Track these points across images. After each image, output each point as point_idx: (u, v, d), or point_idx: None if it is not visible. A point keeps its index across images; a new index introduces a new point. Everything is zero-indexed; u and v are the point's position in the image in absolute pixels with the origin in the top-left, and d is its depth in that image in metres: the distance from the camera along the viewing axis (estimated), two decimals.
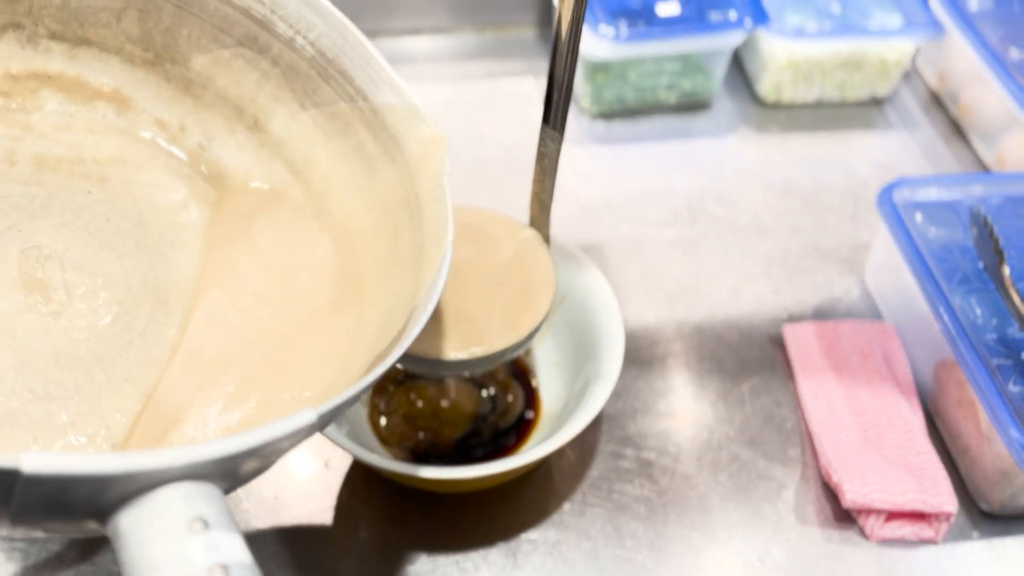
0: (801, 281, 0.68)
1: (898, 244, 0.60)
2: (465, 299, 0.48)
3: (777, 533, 0.54)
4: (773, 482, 0.56)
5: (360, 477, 0.55)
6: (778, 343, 0.64)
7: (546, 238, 0.51)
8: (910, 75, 0.86)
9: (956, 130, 0.81)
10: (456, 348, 0.47)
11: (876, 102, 0.84)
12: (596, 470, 0.56)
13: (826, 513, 0.55)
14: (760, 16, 0.76)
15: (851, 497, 0.52)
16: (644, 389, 0.60)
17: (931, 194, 0.63)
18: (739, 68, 0.85)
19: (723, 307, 0.66)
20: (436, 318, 0.47)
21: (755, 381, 0.61)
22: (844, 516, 0.55)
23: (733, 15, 0.77)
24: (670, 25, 0.76)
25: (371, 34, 0.91)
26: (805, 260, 0.69)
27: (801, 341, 0.62)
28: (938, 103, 0.84)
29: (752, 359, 0.63)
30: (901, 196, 0.62)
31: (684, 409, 0.59)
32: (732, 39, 0.77)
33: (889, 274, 0.65)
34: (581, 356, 0.54)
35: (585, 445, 0.57)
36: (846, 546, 0.53)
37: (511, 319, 0.48)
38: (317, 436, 0.56)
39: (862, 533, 0.54)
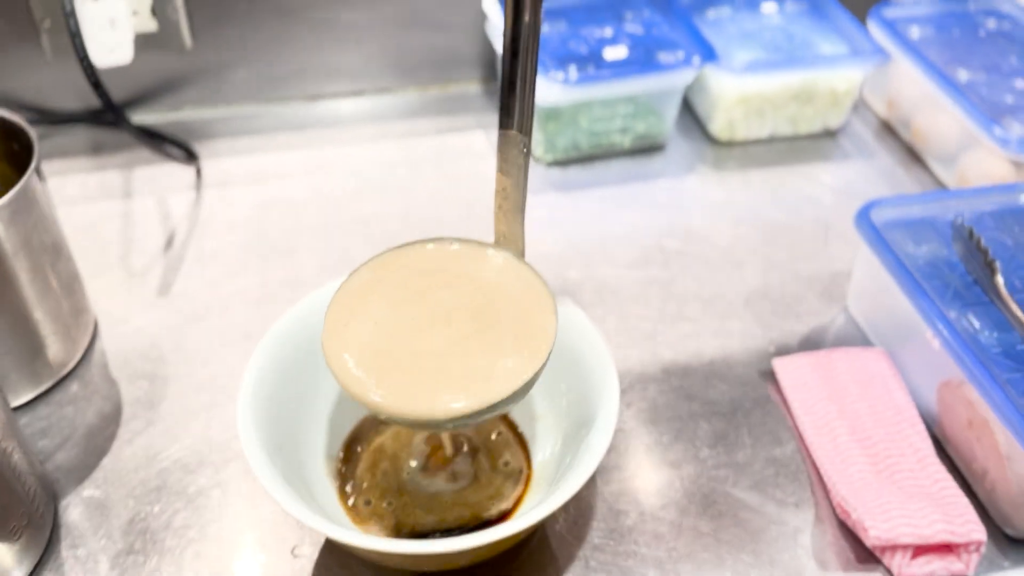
0: (784, 313, 0.65)
1: (884, 264, 0.57)
2: (461, 345, 0.43)
3: None
4: (786, 527, 0.52)
5: (333, 564, 0.49)
6: (769, 378, 0.60)
7: (520, 253, 0.47)
8: (859, 107, 0.86)
9: (911, 155, 0.80)
10: (471, 396, 0.42)
11: (829, 134, 0.83)
12: (596, 531, 0.51)
13: (847, 556, 0.51)
14: (708, 54, 0.75)
15: (875, 534, 0.48)
16: (636, 437, 0.56)
17: (908, 212, 0.61)
18: (690, 110, 0.84)
19: (708, 345, 0.62)
20: (438, 374, 0.42)
21: (751, 421, 0.57)
22: (867, 557, 0.50)
23: (681, 55, 0.75)
24: (619, 68, 0.74)
25: (313, 97, 0.89)
26: (785, 292, 0.67)
27: (794, 374, 0.59)
28: (889, 131, 0.83)
29: (745, 398, 0.59)
30: (878, 216, 0.60)
31: (681, 456, 0.55)
32: (682, 78, 0.75)
33: (874, 298, 0.62)
34: (570, 404, 0.50)
35: (580, 503, 0.52)
36: None
37: (523, 346, 0.43)
38: (282, 519, 0.50)
39: (888, 574, 0.50)
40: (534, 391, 0.53)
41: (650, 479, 0.54)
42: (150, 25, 0.77)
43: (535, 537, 0.51)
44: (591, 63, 0.75)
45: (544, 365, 0.43)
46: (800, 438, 0.56)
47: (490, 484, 0.51)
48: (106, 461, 0.54)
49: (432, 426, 0.42)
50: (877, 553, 0.50)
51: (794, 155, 0.80)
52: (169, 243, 0.69)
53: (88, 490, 0.52)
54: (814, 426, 0.56)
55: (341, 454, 0.52)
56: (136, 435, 0.56)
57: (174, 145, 0.73)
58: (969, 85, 0.73)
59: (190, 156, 0.76)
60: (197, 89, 0.82)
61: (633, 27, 0.80)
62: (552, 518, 0.51)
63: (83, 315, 0.60)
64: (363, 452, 0.52)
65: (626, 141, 0.78)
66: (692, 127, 0.83)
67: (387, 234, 0.70)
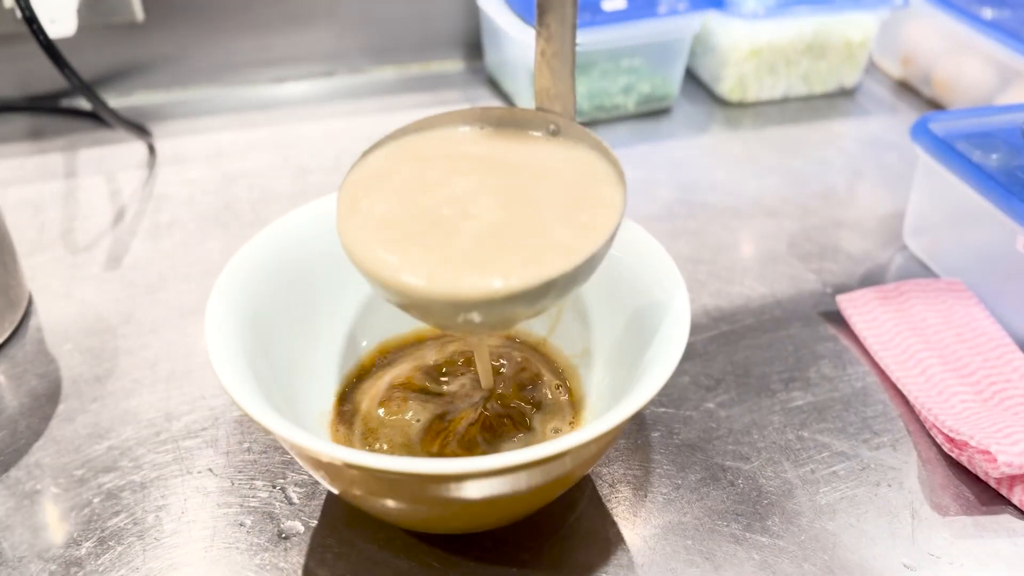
0: (834, 256, 0.57)
1: (959, 173, 0.50)
2: (504, 219, 0.34)
3: (918, 532, 0.40)
4: (887, 471, 0.42)
5: (332, 543, 0.39)
6: (832, 319, 0.51)
7: (571, 114, 0.38)
8: (871, 70, 0.80)
9: (936, 108, 0.74)
10: (520, 272, 0.32)
11: (845, 92, 0.76)
12: (660, 489, 0.41)
13: (965, 497, 0.41)
14: (715, 1, 0.69)
15: (1005, 459, 0.39)
16: (696, 389, 0.47)
17: (967, 125, 0.54)
18: (693, 77, 0.77)
19: (755, 291, 0.54)
20: (478, 251, 0.33)
21: (821, 362, 0.48)
22: (989, 497, 0.41)
23: (683, 6, 0.69)
24: (620, 15, 0.67)
25: (280, 79, 0.80)
26: (830, 235, 0.59)
27: (863, 309, 0.50)
28: (907, 89, 0.77)
29: (808, 339, 0.50)
30: (938, 129, 0.53)
31: (754, 407, 0.46)
32: (689, 25, 0.69)
33: (939, 228, 0.55)
34: (630, 343, 0.40)
35: (643, 460, 0.42)
36: (1007, 533, 0.39)
37: (582, 218, 0.34)
38: (265, 496, 0.40)
39: (1020, 512, 0.40)
40: (576, 324, 0.44)
41: (721, 431, 0.44)
42: None
43: (589, 498, 0.41)
44: (587, 12, 0.68)
45: (610, 240, 0.34)
46: (882, 375, 0.48)
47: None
48: (40, 444, 0.43)
49: (471, 310, 0.33)
50: (1003, 489, 0.41)
51: (810, 114, 0.74)
52: (119, 218, 0.60)
53: (17, 478, 0.41)
54: (897, 361, 0.47)
55: (332, 410, 0.42)
56: (77, 413, 0.45)
57: (123, 123, 0.64)
58: (997, 22, 0.68)
59: (142, 132, 0.67)
60: (150, 69, 0.74)
61: None
62: (610, 479, 0.41)
63: (12, 290, 0.50)
64: (360, 409, 0.42)
65: (630, 103, 0.71)
66: (697, 92, 0.76)
67: None
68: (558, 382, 0.43)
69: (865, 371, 0.48)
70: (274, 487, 0.41)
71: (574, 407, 0.42)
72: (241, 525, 0.39)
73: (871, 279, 0.55)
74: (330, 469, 0.32)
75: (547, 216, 0.34)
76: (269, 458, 0.42)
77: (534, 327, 0.46)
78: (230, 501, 0.40)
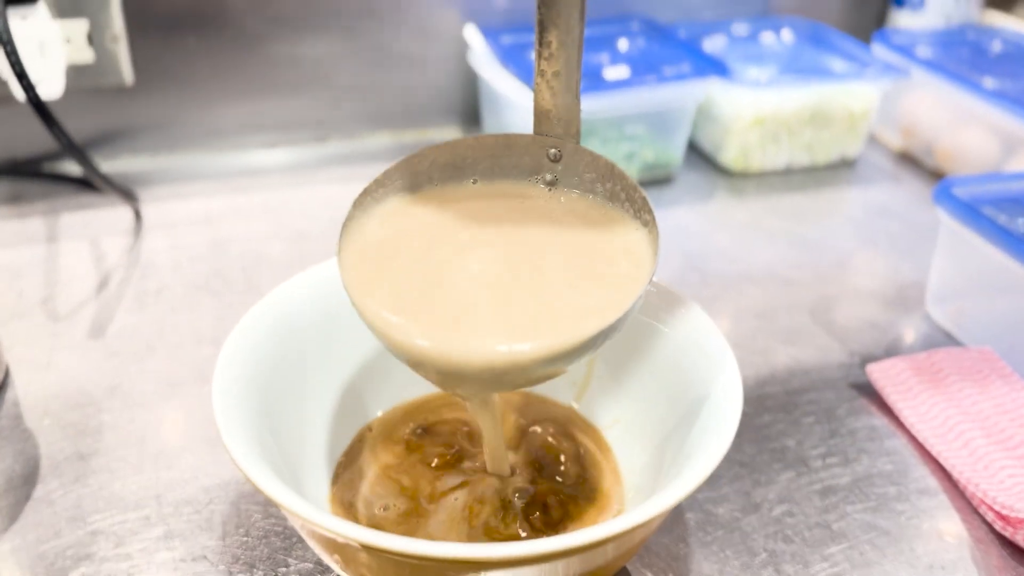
0: (857, 325, 0.55)
1: (987, 236, 0.48)
2: (519, 282, 0.32)
3: None
4: (941, 554, 0.39)
5: None
6: (863, 389, 0.49)
7: (575, 136, 0.35)
8: (872, 143, 0.80)
9: (939, 179, 0.73)
10: (538, 337, 0.29)
11: (847, 163, 0.76)
12: (703, 569, 0.38)
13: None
14: (720, 69, 0.68)
15: None
16: (730, 465, 0.44)
17: (989, 190, 0.53)
18: (695, 148, 0.76)
19: (782, 361, 0.51)
20: (495, 315, 0.31)
21: (857, 437, 0.46)
22: None
23: (688, 69, 0.68)
24: (624, 84, 0.66)
25: (272, 144, 0.77)
26: (851, 304, 0.57)
27: (896, 380, 0.48)
28: (909, 160, 0.77)
29: (841, 411, 0.47)
30: (961, 194, 0.52)
31: (792, 484, 0.43)
32: (693, 93, 0.68)
33: (964, 295, 0.53)
34: (672, 417, 0.37)
35: (680, 544, 0.39)
36: None
37: (605, 282, 0.31)
38: None
39: None
40: (607, 398, 0.41)
41: (756, 508, 0.41)
42: (86, 55, 0.66)
43: None
44: (591, 83, 0.67)
45: (635, 304, 0.31)
46: (920, 449, 0.45)
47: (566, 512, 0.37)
48: (16, 529, 0.39)
49: (489, 379, 0.30)
50: None
51: (814, 184, 0.73)
52: (103, 285, 0.56)
53: None
54: (936, 434, 0.45)
55: (330, 489, 0.38)
56: (57, 495, 0.41)
57: (109, 185, 0.61)
58: (999, 91, 0.68)
59: (128, 196, 0.64)
60: (137, 133, 0.71)
61: (631, 52, 0.73)
62: (644, 558, 0.38)
63: None
64: (364, 478, 0.39)
65: (633, 171, 0.70)
66: (700, 162, 0.75)
67: None
68: (590, 457, 0.39)
69: (902, 444, 0.45)
70: (276, 575, 0.37)
71: (609, 488, 0.38)
72: None
73: (897, 348, 0.53)
74: (356, 554, 0.29)
75: (570, 276, 0.32)
76: (269, 543, 0.38)
77: (560, 395, 0.43)
78: None
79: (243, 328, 0.36)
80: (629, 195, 0.34)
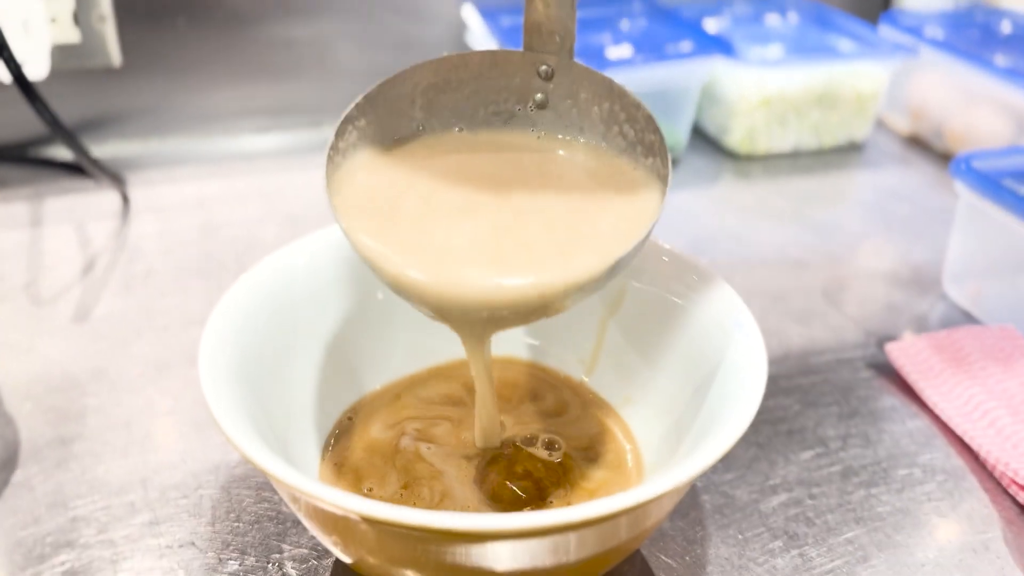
0: (873, 304, 0.53)
1: (1009, 209, 0.47)
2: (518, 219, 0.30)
3: None
4: (973, 536, 0.37)
5: None
6: (881, 369, 0.47)
7: (569, 50, 0.32)
8: (880, 127, 0.78)
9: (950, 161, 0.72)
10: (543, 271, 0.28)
11: (855, 147, 0.74)
12: (724, 564, 0.36)
13: None
14: (724, 47, 0.67)
15: None
16: (747, 446, 0.41)
17: (1008, 164, 0.51)
18: (699, 132, 0.75)
19: (797, 342, 0.49)
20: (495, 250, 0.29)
21: (877, 417, 0.44)
22: None
23: (690, 47, 0.66)
24: (627, 62, 0.65)
25: (263, 129, 0.75)
26: (865, 284, 0.55)
27: (916, 359, 0.46)
28: (918, 143, 0.75)
29: (860, 391, 0.45)
30: (981, 166, 0.50)
31: (812, 465, 0.41)
32: (698, 72, 0.66)
33: (983, 272, 0.51)
34: (689, 387, 0.35)
35: (697, 528, 0.37)
36: None
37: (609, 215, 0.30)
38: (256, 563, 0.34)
39: None
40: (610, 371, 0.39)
41: (775, 489, 0.39)
42: (71, 35, 0.64)
43: (635, 566, 0.35)
44: (594, 63, 0.65)
45: (645, 238, 0.30)
46: (944, 428, 0.43)
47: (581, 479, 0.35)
48: None
49: (488, 314, 0.28)
50: None
51: (822, 167, 0.71)
52: (88, 269, 0.54)
53: None
54: (961, 413, 0.43)
55: (321, 456, 0.36)
56: (37, 481, 0.39)
57: (95, 167, 0.59)
58: (1011, 68, 0.66)
59: (115, 180, 0.62)
60: (125, 117, 0.69)
61: (632, 32, 0.71)
62: (658, 545, 0.36)
63: None
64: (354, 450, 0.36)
65: None
66: (704, 145, 0.73)
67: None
68: (605, 428, 0.37)
69: (925, 424, 0.43)
70: (269, 562, 0.35)
71: (626, 460, 0.36)
72: None
73: (915, 328, 0.51)
74: (357, 530, 0.27)
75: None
76: (261, 528, 0.36)
77: (570, 369, 0.41)
78: (227, 571, 0.34)
79: (230, 300, 0.34)
80: (630, 115, 0.32)
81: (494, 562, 0.26)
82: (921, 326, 0.51)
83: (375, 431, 0.37)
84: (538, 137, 0.34)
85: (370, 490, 0.34)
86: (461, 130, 0.34)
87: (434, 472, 0.35)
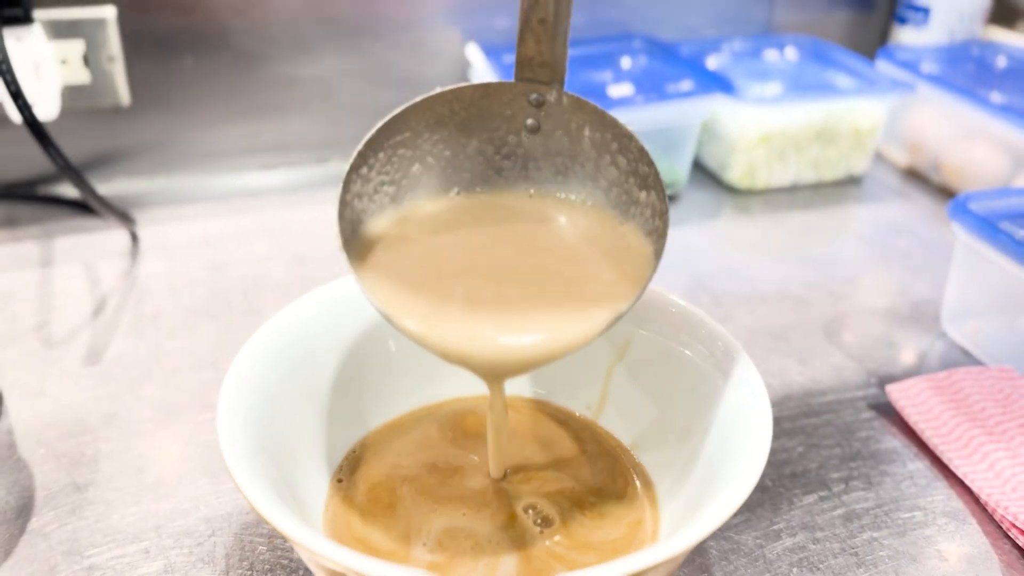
0: (873, 344, 0.53)
1: (1006, 252, 0.47)
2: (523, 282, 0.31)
3: None
4: (970, 568, 0.38)
5: None
6: (882, 409, 0.48)
7: (560, 81, 0.33)
8: (877, 160, 0.79)
9: (947, 195, 0.73)
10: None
11: (853, 180, 0.75)
12: None
13: None
14: (724, 86, 0.68)
15: None
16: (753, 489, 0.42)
17: (1006, 205, 0.52)
18: (700, 167, 0.75)
19: (798, 381, 0.50)
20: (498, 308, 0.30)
21: (878, 458, 0.44)
22: None
23: (693, 86, 0.67)
24: (628, 101, 0.66)
25: (270, 166, 0.76)
26: (865, 323, 0.56)
27: (916, 400, 0.47)
28: (916, 177, 0.76)
29: (861, 432, 0.46)
30: (978, 208, 0.51)
31: (815, 508, 0.41)
32: (699, 110, 0.67)
33: (982, 311, 0.52)
34: (694, 440, 0.36)
35: (701, 572, 0.38)
36: None
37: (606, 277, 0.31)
38: None
39: None
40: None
41: (779, 533, 0.40)
42: (81, 76, 0.65)
43: None
44: (596, 99, 0.66)
45: (634, 301, 0.31)
46: (944, 470, 0.44)
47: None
48: (9, 564, 0.37)
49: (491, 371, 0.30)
50: None
51: (821, 201, 0.72)
52: (99, 309, 0.55)
53: None
54: (961, 454, 0.43)
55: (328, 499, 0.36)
56: (53, 528, 0.39)
57: (106, 207, 0.60)
58: (1007, 105, 0.67)
59: (124, 219, 0.63)
60: (133, 155, 0.70)
61: (634, 71, 0.72)
62: None
63: None
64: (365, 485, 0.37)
65: None
66: (705, 180, 0.74)
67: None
68: (620, 473, 0.38)
69: (926, 466, 0.44)
70: None
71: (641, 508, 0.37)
72: None
73: (915, 368, 0.51)
74: None
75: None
76: None
77: (577, 409, 0.41)
78: None
79: (247, 354, 0.34)
80: (622, 144, 0.33)
81: None
82: (921, 365, 0.52)
83: (381, 468, 0.38)
84: (530, 195, 0.35)
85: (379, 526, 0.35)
86: (458, 193, 0.35)
87: (441, 509, 0.35)
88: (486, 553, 0.33)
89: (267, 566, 0.37)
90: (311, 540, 0.26)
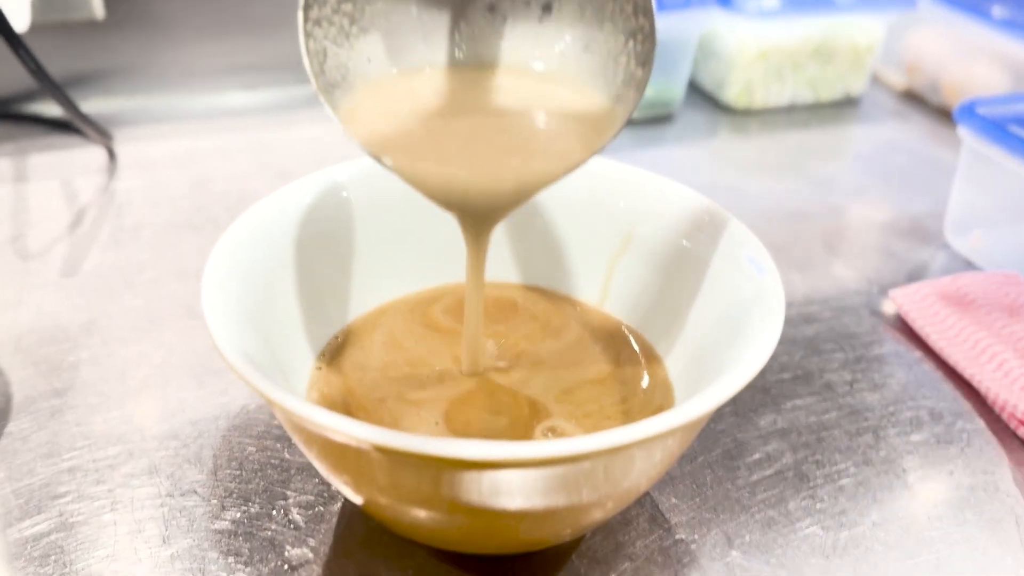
0: (873, 254, 0.52)
1: (1017, 155, 0.46)
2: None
3: None
4: (981, 476, 0.37)
5: (352, 572, 0.32)
6: (885, 317, 0.47)
7: None
8: (874, 83, 0.77)
9: (946, 116, 0.71)
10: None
11: (851, 101, 0.73)
12: (735, 504, 0.35)
13: None
14: None
15: None
16: (752, 392, 0.41)
17: (1013, 111, 0.50)
18: (695, 86, 0.74)
19: (800, 291, 0.49)
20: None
21: (883, 362, 0.43)
22: None
23: None
24: None
25: (254, 86, 0.74)
26: (865, 235, 0.54)
27: (921, 305, 0.46)
28: (914, 99, 0.75)
29: (865, 338, 0.45)
30: (986, 112, 0.49)
31: (819, 409, 0.40)
32: (696, 23, 0.65)
33: (985, 221, 0.51)
34: (703, 327, 0.34)
35: (707, 470, 0.37)
36: None
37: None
38: (264, 520, 0.33)
39: None
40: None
41: (786, 432, 0.39)
42: None
43: (645, 508, 0.35)
44: None
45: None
46: (951, 373, 0.43)
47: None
48: None
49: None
50: None
51: (819, 121, 0.70)
52: (76, 223, 0.53)
53: None
54: (968, 357, 0.43)
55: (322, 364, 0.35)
56: (31, 432, 0.38)
57: (82, 119, 0.58)
58: (1009, 20, 0.65)
59: (101, 134, 0.60)
60: (109, 73, 0.67)
61: None
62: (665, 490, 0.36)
63: None
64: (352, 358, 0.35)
65: None
66: (700, 100, 0.72)
67: None
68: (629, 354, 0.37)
69: (932, 369, 0.43)
70: (274, 509, 0.34)
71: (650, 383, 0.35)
72: (238, 555, 0.32)
73: (918, 277, 0.50)
74: (377, 466, 0.26)
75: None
76: (265, 476, 0.36)
77: (583, 294, 0.40)
78: (222, 528, 0.33)
79: (232, 235, 0.33)
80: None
81: (521, 496, 0.26)
82: (924, 274, 0.51)
83: (364, 354, 0.36)
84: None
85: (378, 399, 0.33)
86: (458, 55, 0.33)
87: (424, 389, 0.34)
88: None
89: (256, 465, 0.36)
90: (311, 411, 0.24)
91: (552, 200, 0.39)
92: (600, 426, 0.32)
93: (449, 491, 0.25)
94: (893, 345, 0.45)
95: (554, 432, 0.32)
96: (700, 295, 0.34)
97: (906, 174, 0.62)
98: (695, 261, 0.35)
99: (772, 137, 0.67)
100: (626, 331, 0.38)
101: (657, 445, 0.26)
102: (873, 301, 0.48)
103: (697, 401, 0.25)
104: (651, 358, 0.36)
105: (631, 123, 0.67)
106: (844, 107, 0.72)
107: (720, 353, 0.30)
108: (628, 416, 0.33)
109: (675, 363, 0.35)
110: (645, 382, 0.35)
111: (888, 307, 0.47)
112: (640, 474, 0.27)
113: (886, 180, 0.61)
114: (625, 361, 0.36)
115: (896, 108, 0.73)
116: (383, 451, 0.24)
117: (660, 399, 0.33)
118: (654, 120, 0.68)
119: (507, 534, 0.29)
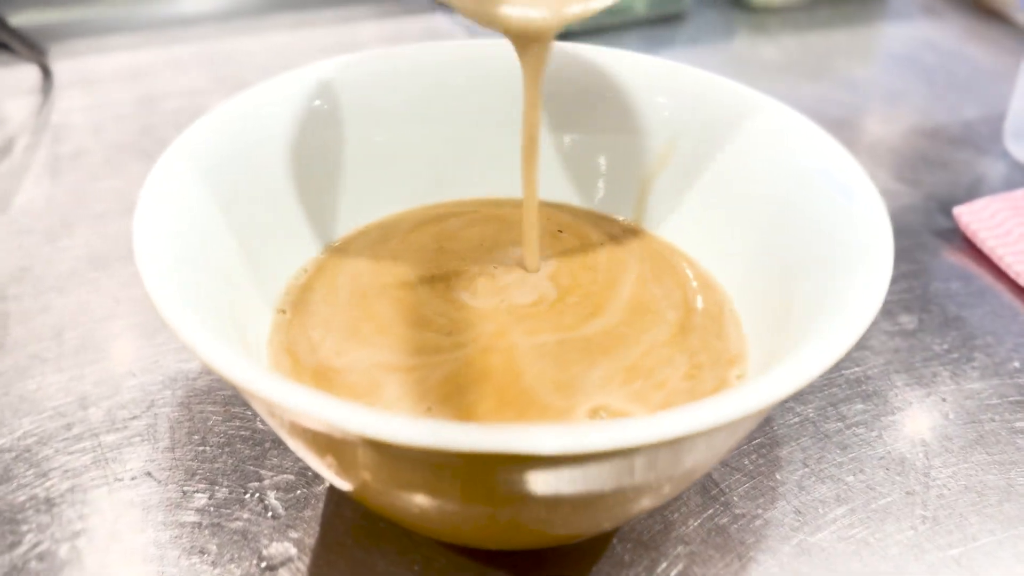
0: (926, 166, 0.46)
1: None
2: None
3: None
4: None
5: (343, 569, 0.26)
6: (946, 235, 0.41)
7: None
8: None
9: (982, 9, 0.64)
10: None
11: None
12: (795, 473, 0.30)
13: None
14: None
15: None
16: None
17: None
18: None
19: None
20: None
21: (950, 288, 0.37)
22: None
23: None
24: None
25: None
26: (915, 145, 0.48)
27: (990, 223, 0.40)
28: None
29: (926, 261, 0.39)
30: None
31: (881, 347, 0.35)
32: None
33: None
34: (783, 253, 0.28)
35: (761, 429, 0.31)
36: None
37: None
38: (230, 500, 0.27)
39: None
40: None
41: (848, 368, 0.33)
42: None
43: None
44: None
45: None
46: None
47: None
48: None
49: None
50: None
51: (843, 20, 0.63)
52: (5, 152, 0.45)
53: None
54: None
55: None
56: None
57: (9, 35, 0.50)
58: None
59: (31, 49, 0.52)
60: None
61: None
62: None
63: None
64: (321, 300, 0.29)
65: (640, 5, 0.59)
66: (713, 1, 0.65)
67: None
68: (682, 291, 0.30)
69: (1005, 292, 0.37)
70: (246, 492, 0.28)
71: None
72: (203, 553, 0.26)
73: (978, 191, 0.44)
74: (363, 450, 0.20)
75: None
76: (234, 452, 0.29)
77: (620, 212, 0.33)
78: (182, 519, 0.27)
79: (172, 155, 0.26)
80: None
81: (548, 485, 0.20)
82: (984, 189, 0.45)
83: (336, 292, 0.29)
84: None
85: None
86: None
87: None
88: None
89: (223, 439, 0.30)
90: (278, 390, 0.18)
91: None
92: (667, 400, 0.26)
93: (484, 489, 0.19)
94: (962, 269, 0.39)
95: (607, 411, 0.25)
96: (785, 234, 0.28)
97: (951, 76, 0.56)
98: (783, 204, 0.29)
99: (795, 37, 0.60)
100: (686, 266, 0.31)
101: (743, 423, 0.20)
102: (933, 219, 0.42)
103: (792, 368, 0.18)
104: (714, 299, 0.29)
105: (638, 24, 0.60)
106: (870, 3, 0.65)
107: (809, 302, 0.24)
108: (695, 378, 0.26)
109: (748, 309, 0.28)
110: (713, 332, 0.28)
111: (950, 225, 0.41)
112: (711, 453, 0.21)
113: (929, 83, 0.55)
114: (684, 304, 0.29)
115: (926, 3, 0.66)
116: (407, 450, 0.17)
117: (735, 349, 0.27)
118: (663, 20, 0.61)
119: (541, 531, 0.23)
